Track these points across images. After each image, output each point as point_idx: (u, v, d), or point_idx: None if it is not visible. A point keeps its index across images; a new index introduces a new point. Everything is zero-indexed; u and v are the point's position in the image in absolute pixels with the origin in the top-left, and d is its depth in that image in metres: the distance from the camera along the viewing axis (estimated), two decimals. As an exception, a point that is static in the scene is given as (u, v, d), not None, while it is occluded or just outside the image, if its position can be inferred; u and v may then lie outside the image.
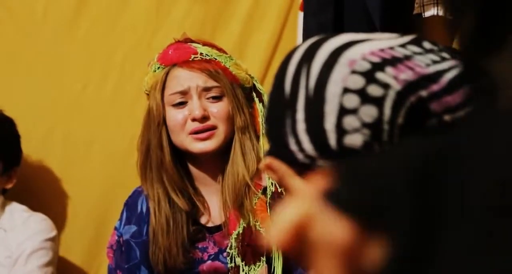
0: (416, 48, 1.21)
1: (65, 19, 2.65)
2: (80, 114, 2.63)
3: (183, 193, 2.06)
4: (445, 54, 1.21)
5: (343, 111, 1.15)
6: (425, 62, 1.19)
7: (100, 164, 2.61)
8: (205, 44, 2.13)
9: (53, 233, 2.45)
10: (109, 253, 2.15)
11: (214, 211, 2.10)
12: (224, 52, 2.15)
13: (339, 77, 1.16)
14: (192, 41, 2.13)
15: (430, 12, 1.96)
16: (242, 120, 2.06)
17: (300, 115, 1.17)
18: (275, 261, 2.00)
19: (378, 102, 1.15)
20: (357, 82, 1.15)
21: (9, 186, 2.47)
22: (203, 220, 2.10)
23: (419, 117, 1.16)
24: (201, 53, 2.09)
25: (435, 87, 1.17)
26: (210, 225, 2.10)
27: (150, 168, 2.07)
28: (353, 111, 1.15)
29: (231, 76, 2.09)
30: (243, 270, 2.00)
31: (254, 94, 2.15)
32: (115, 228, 2.16)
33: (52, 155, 2.63)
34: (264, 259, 2.00)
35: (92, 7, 2.65)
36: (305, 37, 2.29)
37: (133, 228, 2.12)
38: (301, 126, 1.17)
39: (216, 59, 2.09)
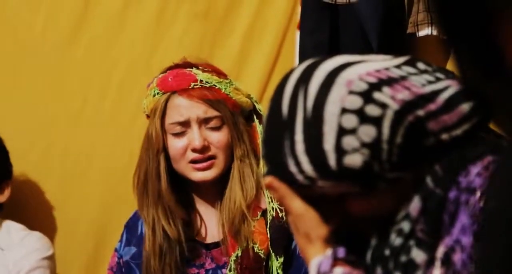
0: (411, 69, 1.22)
1: (64, 36, 2.67)
2: (79, 131, 2.64)
3: (177, 221, 2.06)
4: (439, 75, 1.22)
5: (342, 132, 1.15)
6: (420, 82, 1.20)
7: (99, 181, 2.62)
8: (204, 69, 2.10)
9: (50, 251, 2.45)
10: (109, 275, 2.17)
11: (213, 230, 2.11)
12: (224, 76, 2.12)
13: (337, 97, 1.16)
14: (192, 66, 2.11)
15: (424, 31, 1.98)
16: (242, 149, 2.06)
17: (299, 136, 1.17)
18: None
19: (377, 122, 1.15)
20: (355, 102, 1.16)
21: (2, 199, 2.49)
22: (200, 237, 2.11)
23: (417, 136, 1.17)
24: (200, 81, 2.07)
25: (432, 106, 1.18)
26: (207, 241, 2.11)
27: (147, 193, 2.07)
28: (352, 131, 1.15)
29: (231, 104, 2.08)
30: None
31: (254, 116, 2.15)
32: (115, 250, 2.16)
33: (50, 171, 2.64)
34: None
35: (91, 24, 2.67)
36: (301, 56, 2.31)
37: (133, 249, 2.13)
38: (300, 147, 1.17)
39: (216, 86, 2.07)
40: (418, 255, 1.15)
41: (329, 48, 2.24)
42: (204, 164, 2.04)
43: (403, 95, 1.17)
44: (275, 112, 1.21)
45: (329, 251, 1.21)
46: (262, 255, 2.02)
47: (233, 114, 2.07)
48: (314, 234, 1.22)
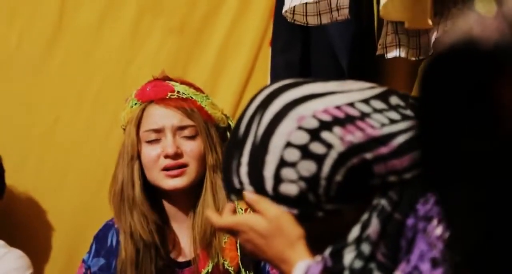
0: (379, 104, 1.23)
1: (39, 50, 2.67)
2: (53, 146, 2.64)
3: (152, 227, 2.09)
4: (409, 112, 1.23)
5: (282, 163, 1.20)
6: (380, 122, 1.21)
7: (73, 195, 2.62)
8: (182, 83, 2.16)
9: (29, 271, 2.43)
10: (75, 286, 2.19)
11: (185, 247, 2.13)
12: (201, 91, 2.18)
13: (285, 131, 1.20)
14: (170, 79, 2.17)
15: (393, 53, 2.01)
16: (214, 159, 2.09)
17: (245, 159, 1.23)
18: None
19: (319, 159, 1.19)
20: (301, 138, 1.19)
21: None
22: (173, 254, 2.13)
23: (360, 176, 1.20)
24: (178, 91, 2.12)
25: (383, 150, 1.19)
26: (180, 260, 2.13)
27: (123, 201, 2.10)
28: (292, 164, 1.19)
29: (206, 115, 2.12)
30: None
31: (228, 134, 2.18)
32: (83, 261, 2.18)
33: (24, 186, 2.63)
34: None
35: (66, 39, 2.67)
36: (273, 74, 2.34)
37: (102, 261, 2.15)
38: (244, 169, 1.23)
39: (192, 98, 2.12)
40: None
41: (300, 67, 2.27)
42: (176, 171, 2.07)
43: (353, 137, 1.19)
44: (235, 131, 1.27)
45: (318, 257, 1.22)
46: (232, 272, 2.05)
47: (207, 124, 2.11)
48: (294, 235, 1.23)
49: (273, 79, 2.34)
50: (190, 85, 2.18)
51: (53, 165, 2.64)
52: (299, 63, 2.27)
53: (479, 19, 0.69)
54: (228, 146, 1.29)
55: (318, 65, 2.26)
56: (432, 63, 0.74)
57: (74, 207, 2.62)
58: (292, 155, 1.19)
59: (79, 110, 2.67)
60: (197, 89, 2.18)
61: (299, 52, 2.26)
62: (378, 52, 2.02)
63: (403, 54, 2.00)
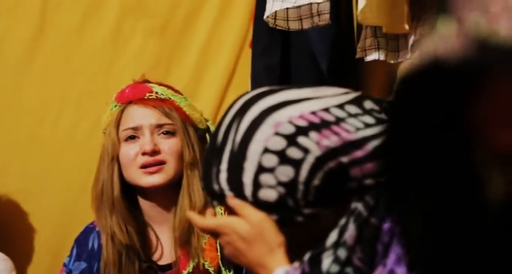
0: (353, 109, 1.25)
1: (21, 53, 2.67)
2: (36, 148, 2.64)
3: (130, 229, 2.10)
4: (383, 116, 1.25)
5: (261, 169, 1.22)
6: (355, 126, 1.23)
7: (57, 197, 2.63)
8: (161, 85, 2.20)
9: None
10: (56, 290, 2.20)
11: (166, 249, 2.15)
12: (180, 93, 2.21)
13: (262, 137, 1.22)
14: (149, 82, 2.21)
15: (372, 56, 2.03)
16: (191, 156, 2.11)
17: (224, 165, 1.24)
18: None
19: (296, 164, 1.21)
20: (279, 144, 1.21)
21: None
22: (155, 257, 2.15)
23: (337, 180, 1.22)
24: (156, 92, 2.16)
25: (358, 153, 1.21)
26: (162, 262, 2.14)
27: (103, 203, 2.12)
28: (271, 170, 1.21)
29: (184, 115, 2.15)
30: None
31: (208, 137, 2.20)
32: (64, 264, 2.20)
33: (8, 188, 2.63)
34: None
35: (48, 40, 2.67)
36: (253, 77, 2.35)
37: (83, 264, 2.16)
38: (223, 175, 1.25)
39: (170, 98, 2.16)
40: None
41: (281, 71, 2.29)
42: (153, 168, 2.09)
43: (329, 141, 1.21)
44: (213, 139, 1.29)
45: (296, 264, 1.23)
46: (212, 273, 2.07)
47: (184, 123, 2.13)
48: (275, 242, 1.25)
49: (254, 82, 2.36)
50: (169, 87, 2.21)
51: (36, 166, 2.65)
52: (279, 66, 2.28)
53: (442, 40, 0.70)
54: (207, 154, 1.30)
55: (298, 69, 2.28)
56: (400, 87, 0.76)
57: (57, 209, 2.63)
58: (270, 160, 1.21)
59: (62, 112, 2.67)
60: (176, 91, 2.21)
61: (279, 55, 2.28)
62: (357, 55, 2.04)
63: (382, 57, 2.03)
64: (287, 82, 2.29)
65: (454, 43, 0.69)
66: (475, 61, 0.68)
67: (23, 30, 2.68)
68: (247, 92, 1.30)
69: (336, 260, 1.20)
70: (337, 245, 1.21)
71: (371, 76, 2.18)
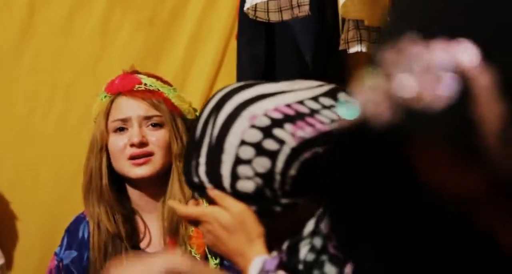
0: (328, 101, 1.29)
1: (9, 45, 2.68)
2: (26, 140, 2.66)
3: (119, 218, 2.14)
4: None
5: (238, 161, 1.25)
6: (330, 117, 1.27)
7: (48, 188, 2.64)
8: (150, 76, 2.24)
9: (1, 261, 2.45)
10: (48, 278, 2.22)
11: (155, 237, 2.18)
12: (169, 84, 2.25)
13: (239, 130, 1.25)
14: (139, 73, 2.24)
15: (354, 48, 2.06)
16: (179, 148, 2.14)
17: (203, 159, 1.28)
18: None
19: (272, 155, 1.24)
20: (255, 136, 1.25)
21: None
22: (143, 244, 2.18)
23: (313, 170, 1.25)
24: (145, 84, 2.19)
25: None
26: (150, 250, 2.18)
27: (91, 191, 2.16)
28: (248, 161, 1.25)
29: (172, 107, 2.18)
30: None
31: None
32: (55, 253, 2.23)
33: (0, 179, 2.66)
34: None
35: (37, 34, 2.69)
36: (239, 68, 2.37)
37: (74, 253, 2.19)
38: (202, 168, 1.28)
39: (159, 90, 2.19)
40: (331, 271, 1.22)
41: (265, 62, 2.31)
42: (141, 160, 2.13)
43: (304, 132, 1.24)
44: (193, 132, 1.32)
45: (274, 253, 1.26)
46: (198, 259, 2.10)
47: (172, 115, 2.16)
48: (254, 232, 1.28)
49: (239, 73, 2.39)
50: (158, 78, 2.25)
51: (26, 158, 2.66)
52: (264, 58, 2.30)
53: (369, 96, 0.69)
54: (186, 148, 1.34)
55: (282, 60, 2.30)
56: (331, 148, 0.75)
57: (48, 199, 2.64)
58: (247, 152, 1.25)
59: (51, 104, 2.68)
60: (165, 82, 2.25)
61: (263, 47, 2.30)
62: (340, 47, 2.07)
63: (364, 49, 2.05)
64: (271, 73, 2.31)
65: (381, 103, 0.68)
66: (401, 128, 0.67)
67: (12, 23, 2.69)
68: (223, 87, 1.33)
69: (312, 248, 1.23)
70: (313, 234, 1.24)
71: (355, 68, 2.21)
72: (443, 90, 0.64)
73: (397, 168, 0.74)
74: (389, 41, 0.70)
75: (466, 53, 0.65)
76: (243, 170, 1.25)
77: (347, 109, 0.70)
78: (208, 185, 1.28)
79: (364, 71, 0.71)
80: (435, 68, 0.65)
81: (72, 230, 2.23)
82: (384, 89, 0.68)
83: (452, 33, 0.66)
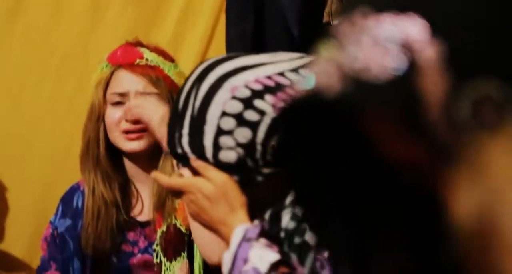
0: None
1: (0, 22, 2.70)
2: (18, 116, 2.69)
3: (114, 186, 2.18)
4: None
5: (220, 132, 1.29)
6: None
7: (40, 164, 2.68)
8: (153, 50, 2.25)
9: None
10: (43, 245, 2.27)
11: (146, 206, 2.24)
12: (171, 60, 2.26)
13: (220, 101, 1.29)
14: (142, 45, 2.25)
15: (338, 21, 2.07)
16: None
17: (185, 130, 1.31)
18: (195, 257, 2.12)
19: (253, 126, 1.28)
20: (236, 107, 1.28)
21: None
22: (135, 212, 2.24)
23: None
24: (146, 59, 2.21)
25: None
26: (141, 218, 2.23)
27: (88, 158, 2.20)
28: (229, 132, 1.28)
29: (171, 84, 2.20)
30: (165, 265, 2.13)
31: None
32: (50, 222, 2.28)
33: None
34: (184, 254, 2.13)
35: (27, 10, 2.70)
36: (228, 44, 2.39)
37: (68, 221, 2.24)
38: (185, 139, 1.32)
39: (159, 66, 2.21)
40: (311, 238, 1.26)
41: (254, 37, 2.33)
42: (135, 135, 2.17)
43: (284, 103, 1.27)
44: (175, 105, 1.35)
45: (256, 221, 1.30)
46: (184, 231, 2.14)
47: (171, 93, 2.18)
48: (237, 202, 1.31)
49: (228, 48, 2.41)
50: (160, 53, 2.25)
51: (19, 135, 2.69)
52: (252, 33, 2.32)
53: (323, 67, 0.71)
54: (169, 120, 1.37)
55: (271, 35, 2.31)
56: (286, 113, 0.77)
57: (40, 174, 2.68)
58: (228, 123, 1.28)
59: (43, 80, 2.71)
60: (167, 57, 2.25)
61: (252, 22, 2.31)
62: (324, 20, 2.09)
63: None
64: (260, 47, 2.33)
65: (333, 73, 0.70)
66: (350, 98, 0.69)
67: (1, 1, 2.70)
68: (206, 60, 1.36)
69: (294, 216, 1.27)
70: (295, 202, 1.27)
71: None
72: (390, 62, 0.67)
73: (350, 136, 0.77)
74: (344, 14, 0.72)
75: (414, 27, 0.68)
76: (224, 140, 1.28)
77: (304, 80, 0.72)
78: (191, 156, 1.31)
79: (321, 42, 0.73)
80: (384, 41, 0.68)
81: (66, 200, 2.28)
82: (336, 60, 0.70)
83: (401, 7, 0.69)
